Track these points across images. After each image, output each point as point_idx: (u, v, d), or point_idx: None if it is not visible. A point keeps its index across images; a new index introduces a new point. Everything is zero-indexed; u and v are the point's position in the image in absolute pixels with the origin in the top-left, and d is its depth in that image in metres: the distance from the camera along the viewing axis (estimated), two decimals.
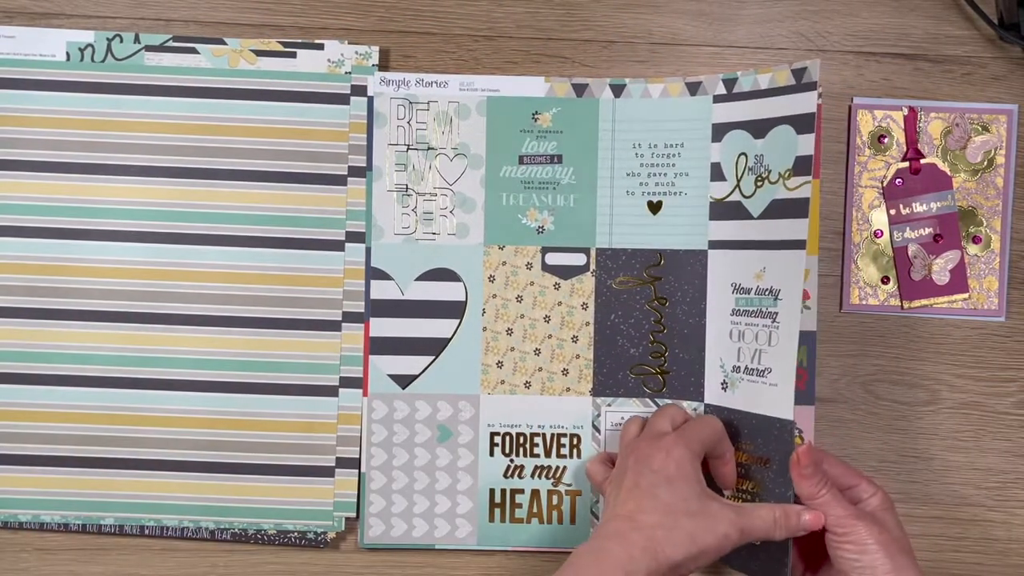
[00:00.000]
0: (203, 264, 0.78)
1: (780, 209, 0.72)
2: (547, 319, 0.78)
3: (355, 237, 0.78)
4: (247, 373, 0.78)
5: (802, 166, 0.71)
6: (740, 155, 0.75)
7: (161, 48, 0.78)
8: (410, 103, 0.78)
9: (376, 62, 0.79)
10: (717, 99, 0.76)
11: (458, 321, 0.78)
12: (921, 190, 0.79)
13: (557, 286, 0.78)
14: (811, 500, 0.68)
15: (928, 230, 0.79)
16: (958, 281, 0.79)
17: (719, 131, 0.76)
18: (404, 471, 0.78)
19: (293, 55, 0.78)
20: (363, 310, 0.78)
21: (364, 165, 0.79)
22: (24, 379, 0.78)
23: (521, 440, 0.78)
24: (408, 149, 0.78)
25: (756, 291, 0.73)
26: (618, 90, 0.78)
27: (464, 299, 0.78)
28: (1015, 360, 0.79)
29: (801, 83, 0.72)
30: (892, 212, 0.79)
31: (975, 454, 0.79)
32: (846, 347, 0.79)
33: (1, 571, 0.78)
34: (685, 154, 0.77)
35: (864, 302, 0.79)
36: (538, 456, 0.78)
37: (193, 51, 0.78)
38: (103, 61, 0.78)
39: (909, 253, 0.79)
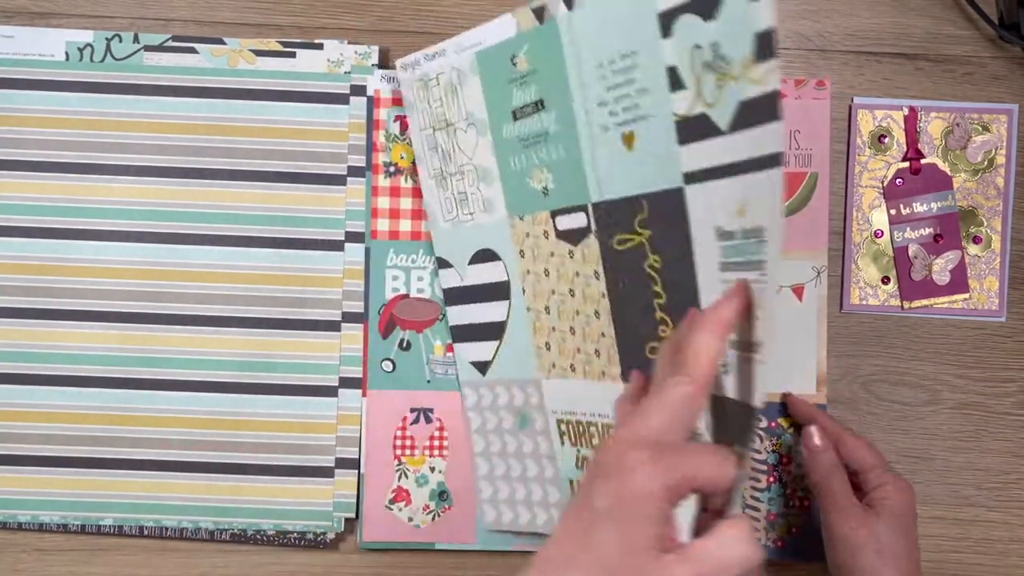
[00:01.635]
0: (202, 264, 0.78)
1: (750, 113, 0.53)
2: (572, 293, 0.70)
3: (355, 237, 0.78)
4: (246, 373, 0.78)
5: (763, 46, 0.51)
6: (695, 48, 0.57)
7: (160, 48, 0.78)
8: (424, 83, 0.75)
9: (376, 62, 0.79)
10: None
11: (508, 303, 0.75)
12: (921, 190, 0.79)
13: (571, 254, 0.69)
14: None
15: (928, 230, 0.79)
16: (958, 281, 0.79)
17: (667, 21, 0.58)
18: (501, 458, 0.76)
19: (292, 55, 0.78)
20: (363, 310, 0.78)
21: (363, 165, 0.79)
22: (23, 379, 0.78)
23: (580, 429, 0.73)
24: (434, 131, 0.76)
25: (742, 234, 0.54)
26: (569, 2, 0.65)
27: (507, 278, 0.75)
28: (1015, 360, 0.79)
29: None
30: (892, 212, 0.79)
31: (975, 454, 0.79)
32: (846, 347, 0.79)
33: (1, 572, 0.78)
34: (641, 63, 0.60)
35: (864, 302, 0.79)
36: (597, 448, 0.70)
37: (192, 51, 0.78)
38: (102, 61, 0.78)
39: (909, 253, 0.79)
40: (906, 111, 0.79)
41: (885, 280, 0.79)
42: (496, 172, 0.72)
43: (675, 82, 0.59)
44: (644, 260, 0.64)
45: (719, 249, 0.57)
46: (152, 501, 0.78)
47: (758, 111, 0.53)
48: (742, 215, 0.54)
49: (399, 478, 0.78)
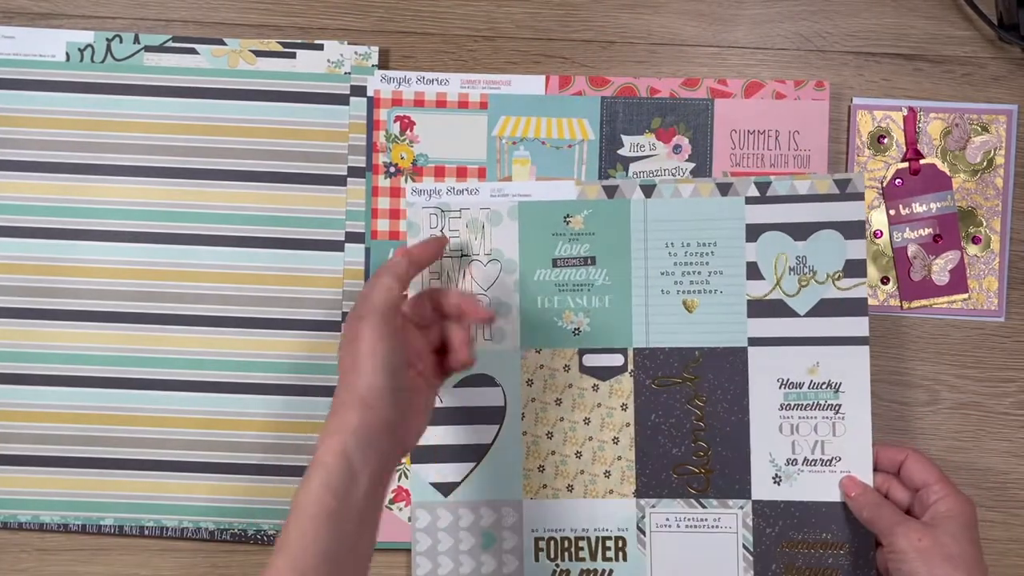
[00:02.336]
0: (203, 264, 0.78)
1: (832, 307, 0.76)
2: (587, 421, 0.77)
3: (354, 237, 0.78)
4: (247, 373, 0.78)
5: (854, 268, 0.75)
6: (779, 255, 0.76)
7: (161, 48, 0.78)
8: (442, 211, 0.78)
9: (376, 62, 0.79)
10: (750, 200, 0.76)
11: (498, 426, 0.77)
12: (921, 190, 0.79)
13: (596, 388, 0.77)
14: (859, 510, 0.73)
15: (928, 230, 0.79)
16: (958, 281, 0.79)
17: (753, 231, 0.77)
18: None
19: (292, 55, 0.78)
20: None
21: (363, 165, 0.79)
22: (23, 379, 0.78)
23: (566, 544, 0.77)
24: (442, 257, 0.78)
25: (811, 385, 0.76)
26: (648, 190, 0.77)
27: (503, 404, 0.78)
28: (1015, 360, 0.79)
29: (845, 192, 0.75)
30: (892, 212, 0.79)
31: (975, 454, 0.79)
32: None
33: (1, 571, 0.78)
34: (719, 252, 0.77)
35: None
36: (583, 560, 0.77)
37: (193, 51, 0.78)
38: (103, 61, 0.78)
39: (909, 253, 0.79)
40: (905, 112, 0.79)
41: (884, 280, 0.79)
42: (516, 307, 0.78)
43: (753, 273, 0.77)
44: (687, 399, 0.77)
45: (781, 394, 0.76)
46: (152, 501, 0.78)
47: (841, 308, 0.75)
48: (813, 373, 0.76)
49: (399, 478, 0.79)
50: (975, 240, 0.79)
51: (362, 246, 0.79)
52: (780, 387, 0.76)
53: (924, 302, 0.79)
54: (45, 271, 0.78)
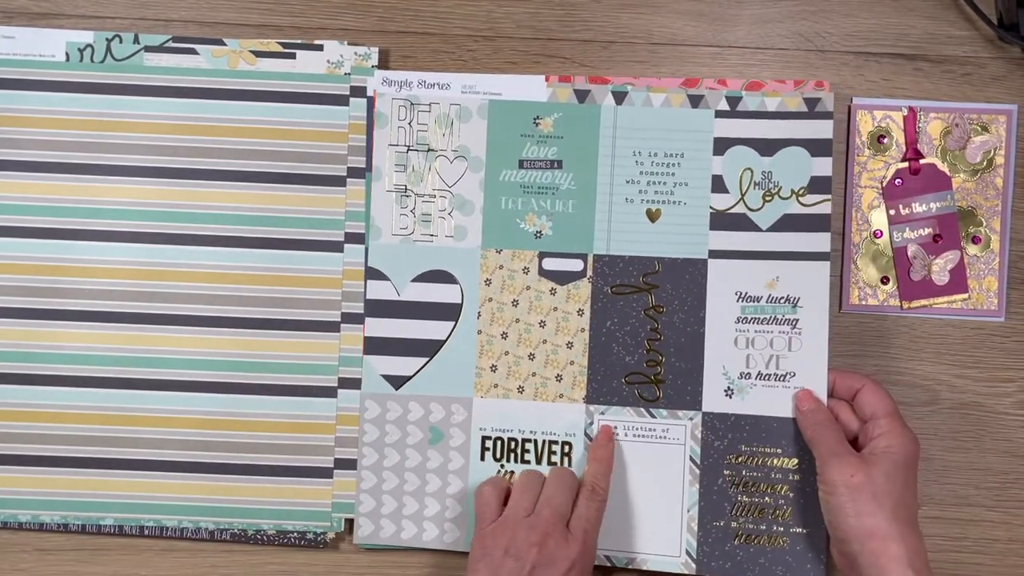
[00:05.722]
0: (203, 265, 0.78)
1: (794, 223, 0.76)
2: (542, 324, 0.78)
3: (354, 238, 0.78)
4: (246, 374, 0.78)
5: (819, 185, 0.76)
6: (745, 170, 0.77)
7: (160, 49, 0.78)
8: (412, 104, 0.78)
9: (375, 63, 0.79)
10: (720, 114, 0.77)
11: (453, 323, 0.78)
12: (920, 190, 0.79)
13: (553, 291, 0.78)
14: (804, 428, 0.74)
15: (928, 230, 0.79)
16: (958, 281, 0.79)
17: (721, 145, 0.77)
18: (395, 472, 0.78)
19: (292, 56, 0.78)
20: (362, 311, 0.79)
21: (364, 166, 0.79)
22: (21, 379, 0.78)
23: (512, 445, 0.77)
24: (408, 150, 0.78)
25: (769, 299, 0.76)
26: (620, 97, 0.77)
27: (460, 301, 0.78)
28: (1014, 360, 0.79)
29: (814, 111, 0.76)
30: (892, 212, 0.79)
31: (975, 454, 0.79)
32: (846, 347, 0.79)
33: (1, 571, 0.78)
34: (685, 164, 0.77)
35: (864, 302, 0.79)
36: (529, 462, 0.77)
37: (192, 52, 0.78)
38: (102, 61, 0.78)
39: (909, 253, 0.79)
40: (905, 111, 0.79)
41: (884, 280, 0.79)
42: (479, 206, 0.78)
43: (718, 186, 0.77)
44: (644, 308, 0.77)
45: (738, 307, 0.76)
46: (152, 501, 0.78)
47: (803, 223, 0.76)
48: (772, 287, 0.76)
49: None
50: (975, 240, 0.79)
51: (362, 247, 0.79)
52: (738, 300, 0.76)
53: (924, 302, 0.79)
54: (45, 271, 0.78)
